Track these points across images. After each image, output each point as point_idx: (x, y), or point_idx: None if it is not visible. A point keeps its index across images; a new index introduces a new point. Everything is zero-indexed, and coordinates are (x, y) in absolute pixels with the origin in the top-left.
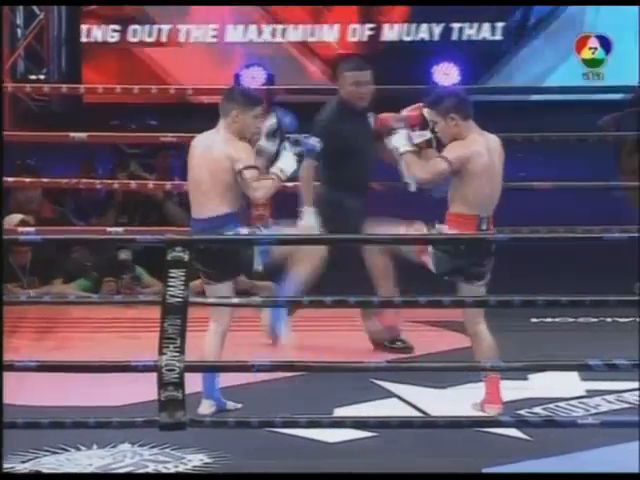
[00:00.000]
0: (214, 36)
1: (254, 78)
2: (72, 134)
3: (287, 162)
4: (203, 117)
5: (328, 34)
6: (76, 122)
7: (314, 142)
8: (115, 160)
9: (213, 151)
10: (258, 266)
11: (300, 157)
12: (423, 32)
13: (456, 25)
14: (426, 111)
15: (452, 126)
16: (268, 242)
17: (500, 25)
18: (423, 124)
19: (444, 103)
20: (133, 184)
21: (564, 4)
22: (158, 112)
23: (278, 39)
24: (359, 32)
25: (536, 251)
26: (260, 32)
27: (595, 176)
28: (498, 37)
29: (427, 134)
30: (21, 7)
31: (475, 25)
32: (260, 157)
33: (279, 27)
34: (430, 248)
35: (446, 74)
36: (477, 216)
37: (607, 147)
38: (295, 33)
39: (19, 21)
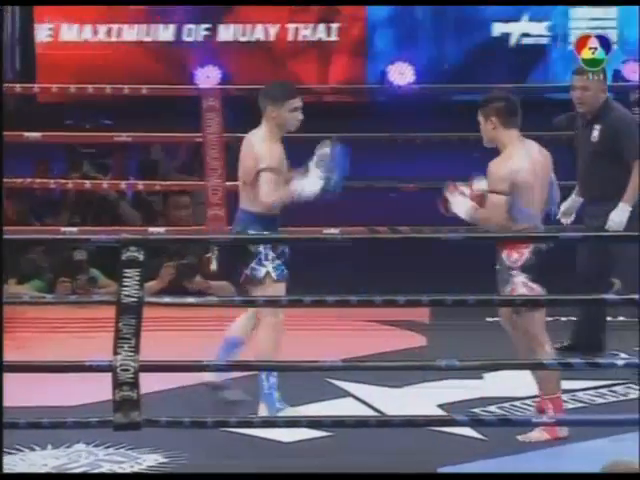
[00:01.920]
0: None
1: (209, 77)
2: (26, 134)
3: (312, 185)
4: (158, 115)
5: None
6: (30, 122)
7: (338, 181)
8: (69, 160)
9: (246, 149)
10: (213, 266)
11: (324, 187)
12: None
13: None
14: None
15: (490, 129)
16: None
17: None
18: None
19: (489, 105)
20: (88, 184)
21: (564, 4)
22: (112, 112)
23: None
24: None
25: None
26: (95, 32)
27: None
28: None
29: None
30: None
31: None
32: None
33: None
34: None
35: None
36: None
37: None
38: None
39: None
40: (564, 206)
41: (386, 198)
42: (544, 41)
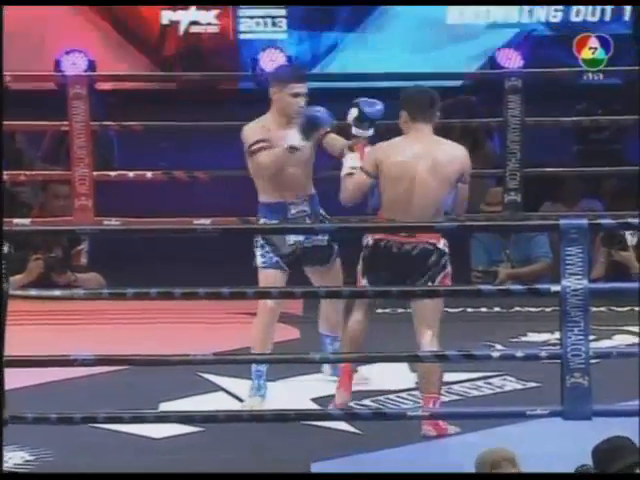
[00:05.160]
0: None
1: (75, 64)
2: None
3: (293, 136)
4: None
5: None
6: None
7: (326, 117)
8: None
9: None
10: (84, 259)
11: (305, 133)
12: None
13: None
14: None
15: (402, 122)
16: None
17: None
18: None
19: (402, 98)
20: None
21: (561, 4)
22: None
23: None
24: None
25: None
26: None
27: None
28: None
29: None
30: None
31: None
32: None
33: None
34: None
35: None
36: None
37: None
38: None
39: None
40: None
41: None
42: (213, 29)
